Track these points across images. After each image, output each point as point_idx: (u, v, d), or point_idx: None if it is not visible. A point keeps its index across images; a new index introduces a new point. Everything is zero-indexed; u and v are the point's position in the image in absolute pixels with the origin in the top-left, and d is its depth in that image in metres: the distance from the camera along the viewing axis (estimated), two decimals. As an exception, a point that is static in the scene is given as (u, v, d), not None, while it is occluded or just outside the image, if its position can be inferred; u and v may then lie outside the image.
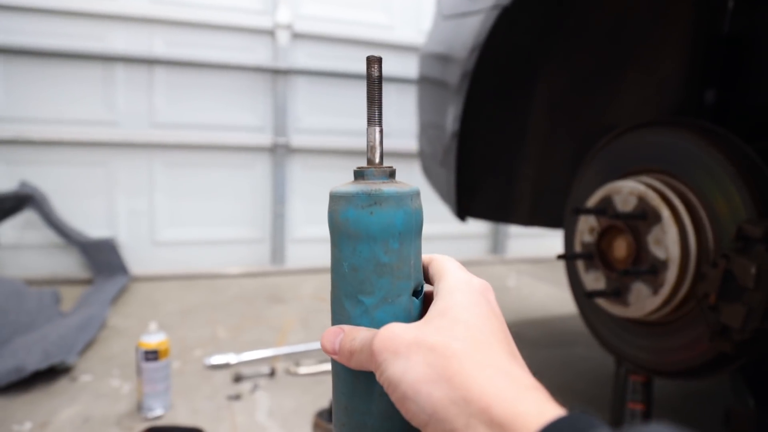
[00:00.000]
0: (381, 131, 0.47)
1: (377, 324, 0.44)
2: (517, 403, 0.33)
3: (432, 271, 0.47)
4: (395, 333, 0.39)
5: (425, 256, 0.49)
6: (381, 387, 0.41)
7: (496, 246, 4.01)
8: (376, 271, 0.44)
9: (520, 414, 0.32)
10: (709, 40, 1.35)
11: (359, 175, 0.46)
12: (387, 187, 0.44)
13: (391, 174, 0.47)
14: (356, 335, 0.43)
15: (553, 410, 0.32)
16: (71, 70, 2.91)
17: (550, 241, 4.07)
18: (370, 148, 0.47)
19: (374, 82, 0.47)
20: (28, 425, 1.51)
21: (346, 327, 0.44)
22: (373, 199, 0.43)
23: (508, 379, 0.35)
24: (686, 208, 1.09)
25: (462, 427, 0.34)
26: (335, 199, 0.45)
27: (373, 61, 0.47)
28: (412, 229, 0.45)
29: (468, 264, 3.75)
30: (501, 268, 3.76)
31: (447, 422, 0.34)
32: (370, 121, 0.47)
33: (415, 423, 0.37)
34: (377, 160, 0.47)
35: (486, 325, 0.40)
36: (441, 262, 0.47)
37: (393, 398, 0.38)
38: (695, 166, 1.10)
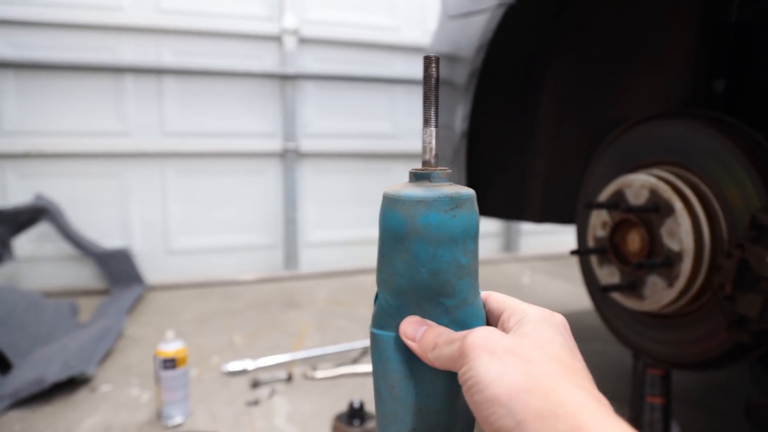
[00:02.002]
0: (437, 132, 0.46)
1: (459, 323, 0.45)
2: (605, 428, 0.34)
3: (494, 304, 0.47)
4: (493, 335, 0.40)
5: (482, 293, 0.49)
6: (459, 387, 0.40)
7: (509, 244, 4.00)
8: (457, 274, 0.44)
9: None
10: (717, 28, 1.34)
11: (424, 177, 0.45)
12: (463, 191, 0.44)
13: (449, 176, 0.46)
14: (444, 331, 0.43)
15: None
16: (82, 82, 2.94)
17: (562, 238, 4.05)
18: (428, 150, 0.46)
19: (432, 82, 0.45)
20: (50, 435, 1.53)
21: (431, 322, 0.45)
22: (455, 203, 0.43)
23: (600, 405, 0.36)
24: (699, 199, 1.08)
25: None
26: (411, 204, 0.43)
27: (432, 61, 0.45)
28: (479, 229, 0.45)
29: (481, 263, 3.72)
30: (514, 265, 3.75)
31: None
32: (427, 121, 0.46)
33: (493, 428, 0.37)
34: (434, 162, 0.46)
35: (575, 354, 0.41)
36: (503, 296, 0.47)
37: (476, 397, 0.38)
38: (706, 157, 1.09)
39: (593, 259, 1.33)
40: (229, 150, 3.24)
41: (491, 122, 1.64)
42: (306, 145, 3.37)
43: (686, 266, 1.08)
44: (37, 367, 1.79)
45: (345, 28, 3.40)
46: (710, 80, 1.35)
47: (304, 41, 3.32)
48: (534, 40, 1.52)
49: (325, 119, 3.44)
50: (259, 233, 3.39)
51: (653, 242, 1.16)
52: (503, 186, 1.78)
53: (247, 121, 3.28)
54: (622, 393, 1.73)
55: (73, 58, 2.89)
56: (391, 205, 0.44)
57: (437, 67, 0.45)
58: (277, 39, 3.26)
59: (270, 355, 2.07)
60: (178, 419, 1.61)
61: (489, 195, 1.78)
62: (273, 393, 1.80)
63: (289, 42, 3.24)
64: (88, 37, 2.94)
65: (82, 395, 1.78)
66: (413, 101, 3.55)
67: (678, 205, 1.08)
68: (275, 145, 3.32)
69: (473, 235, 0.44)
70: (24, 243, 2.90)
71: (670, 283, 1.11)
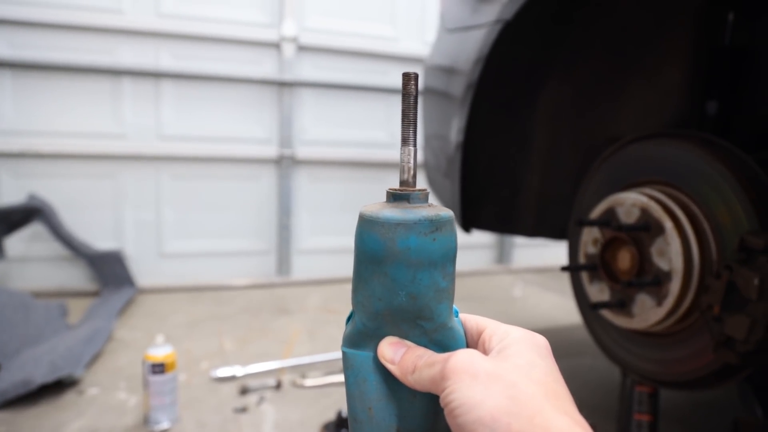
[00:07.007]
0: (416, 151, 0.45)
1: (438, 345, 0.44)
2: None
3: (473, 324, 0.47)
4: (475, 358, 0.40)
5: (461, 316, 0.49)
6: (438, 408, 0.40)
7: (502, 256, 4.01)
8: (436, 298, 0.43)
9: None
10: (711, 51, 1.36)
11: (402, 198, 0.44)
12: (443, 212, 0.43)
13: (427, 196, 0.45)
14: (423, 353, 0.43)
15: None
16: (79, 83, 2.94)
17: (556, 251, 4.06)
18: (407, 170, 0.45)
19: (411, 100, 0.44)
20: (35, 438, 1.52)
21: (410, 343, 0.45)
22: (435, 225, 0.42)
23: (582, 430, 0.36)
24: (689, 219, 1.09)
25: None
26: (390, 226, 0.42)
27: (411, 78, 0.44)
28: (458, 250, 0.45)
29: (474, 274, 3.74)
30: (507, 277, 3.76)
31: None
32: (405, 140, 0.45)
33: None
34: (412, 182, 0.45)
35: (558, 378, 0.41)
36: (482, 318, 0.47)
37: (459, 420, 0.38)
38: (698, 178, 1.10)
39: (584, 276, 1.34)
40: (225, 155, 3.24)
41: (486, 135, 1.65)
42: (302, 152, 3.38)
43: (675, 286, 1.09)
44: (24, 368, 1.78)
45: (344, 36, 3.41)
46: (703, 102, 1.37)
47: (302, 49, 3.33)
48: (530, 56, 1.53)
49: (322, 127, 3.45)
50: (253, 239, 3.39)
51: (643, 261, 1.16)
52: (496, 199, 1.79)
53: (244, 126, 3.29)
54: (609, 408, 1.74)
55: (71, 59, 2.89)
56: (368, 226, 0.43)
57: (416, 85, 0.44)
58: (275, 46, 3.27)
59: (259, 362, 2.06)
60: (165, 424, 1.60)
61: (482, 207, 1.79)
62: (261, 400, 1.79)
63: (288, 49, 3.25)
64: (86, 38, 2.94)
65: (69, 398, 1.77)
66: (410, 111, 3.55)
67: (668, 224, 1.09)
68: (271, 151, 3.32)
69: (452, 258, 0.43)
70: (16, 243, 2.89)
71: (659, 302, 1.12)
